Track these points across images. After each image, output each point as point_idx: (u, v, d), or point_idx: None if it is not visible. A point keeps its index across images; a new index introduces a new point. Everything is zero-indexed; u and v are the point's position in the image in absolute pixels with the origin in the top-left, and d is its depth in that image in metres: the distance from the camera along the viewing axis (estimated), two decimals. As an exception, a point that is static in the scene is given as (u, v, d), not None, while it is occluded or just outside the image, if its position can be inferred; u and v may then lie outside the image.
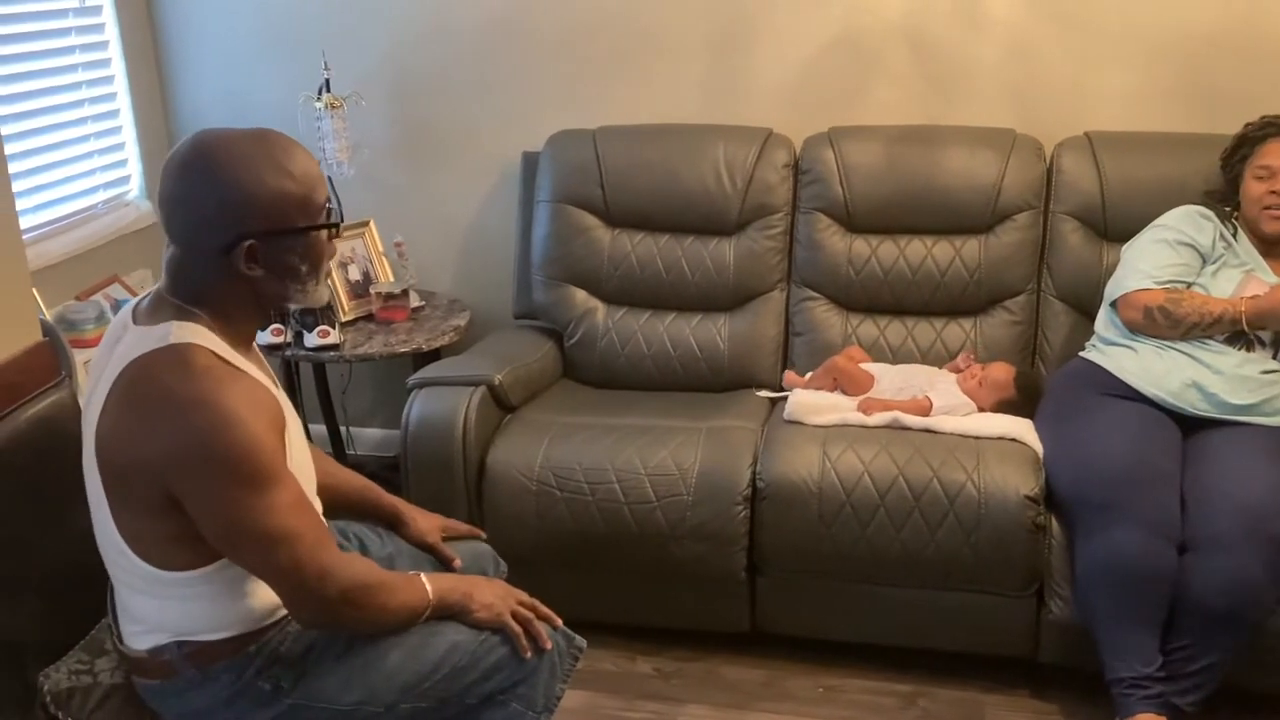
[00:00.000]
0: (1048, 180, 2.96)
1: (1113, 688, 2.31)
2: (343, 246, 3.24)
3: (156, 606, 1.64)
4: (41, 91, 3.08)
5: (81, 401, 1.89)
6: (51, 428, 1.85)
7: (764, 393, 2.98)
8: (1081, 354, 2.75)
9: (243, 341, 1.65)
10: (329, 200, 1.64)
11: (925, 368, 2.92)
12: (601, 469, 2.60)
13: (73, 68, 3.20)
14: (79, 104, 3.22)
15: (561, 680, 1.84)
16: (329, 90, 3.21)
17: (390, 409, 3.57)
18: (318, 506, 1.73)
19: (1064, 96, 3.07)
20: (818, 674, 2.66)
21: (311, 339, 3.00)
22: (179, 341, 1.54)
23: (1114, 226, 2.88)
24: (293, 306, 1.67)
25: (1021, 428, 2.64)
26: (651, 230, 3.11)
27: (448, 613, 1.75)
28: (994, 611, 2.53)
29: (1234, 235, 2.64)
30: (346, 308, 3.20)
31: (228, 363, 1.56)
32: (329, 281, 1.73)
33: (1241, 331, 2.52)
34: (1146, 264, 2.62)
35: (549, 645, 1.79)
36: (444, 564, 1.97)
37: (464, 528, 2.08)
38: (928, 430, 2.64)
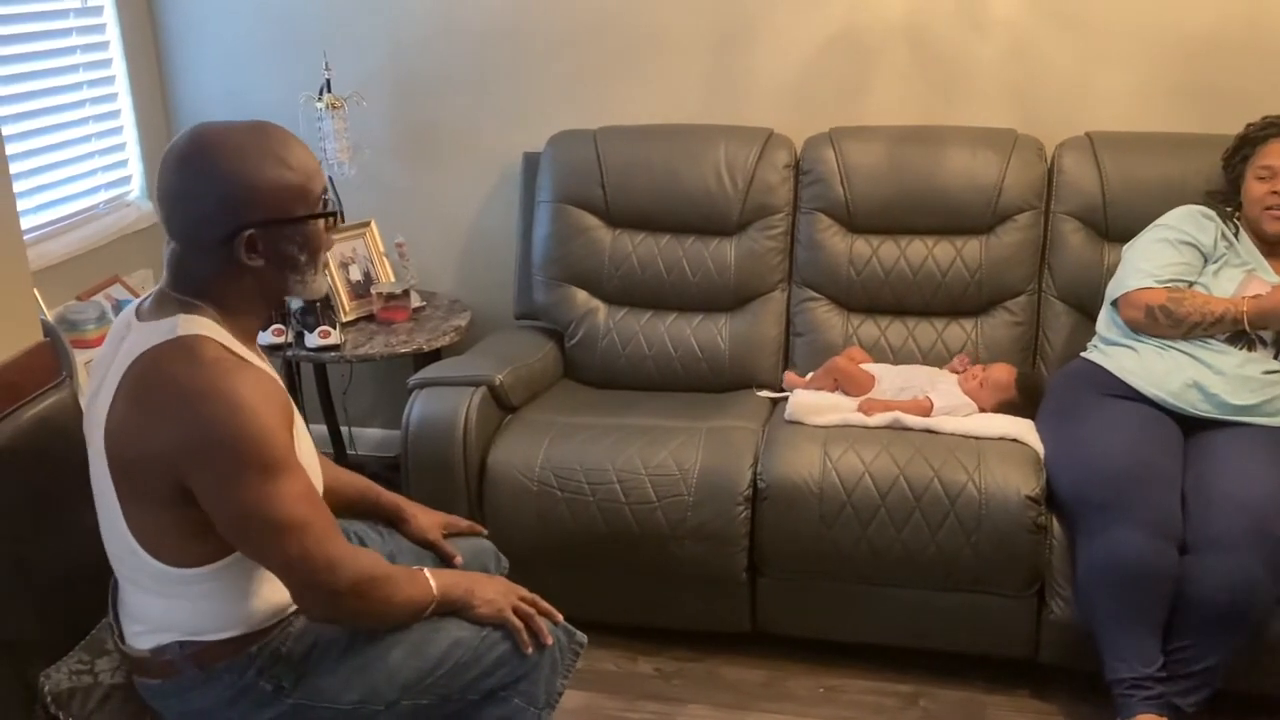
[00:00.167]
0: (1049, 180, 2.96)
1: (1113, 688, 2.31)
2: (344, 247, 3.24)
3: (163, 605, 1.64)
4: (43, 92, 3.08)
5: (83, 402, 1.90)
6: (52, 428, 1.85)
7: (765, 393, 2.98)
8: (1083, 354, 2.75)
9: (247, 336, 1.65)
10: (326, 190, 1.65)
11: (926, 368, 2.92)
12: (602, 469, 2.60)
13: (74, 68, 3.20)
14: (80, 104, 3.23)
15: (563, 676, 1.85)
16: (330, 90, 3.21)
17: (391, 409, 3.57)
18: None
19: (1065, 96, 3.07)
20: (819, 674, 2.66)
21: (312, 339, 3.00)
22: (187, 334, 1.55)
23: (1115, 227, 2.88)
24: (293, 298, 1.68)
25: (1022, 428, 2.64)
26: (652, 230, 3.11)
27: (450, 608, 1.75)
28: (995, 612, 2.53)
29: (1235, 235, 2.64)
30: (347, 308, 3.20)
31: (235, 354, 1.57)
32: (328, 278, 1.74)
33: (1243, 331, 2.52)
34: (1148, 263, 2.62)
35: (550, 641, 1.79)
36: (445, 560, 1.97)
37: (465, 524, 2.08)
38: (928, 431, 2.63)
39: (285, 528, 1.54)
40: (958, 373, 2.86)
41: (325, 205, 1.64)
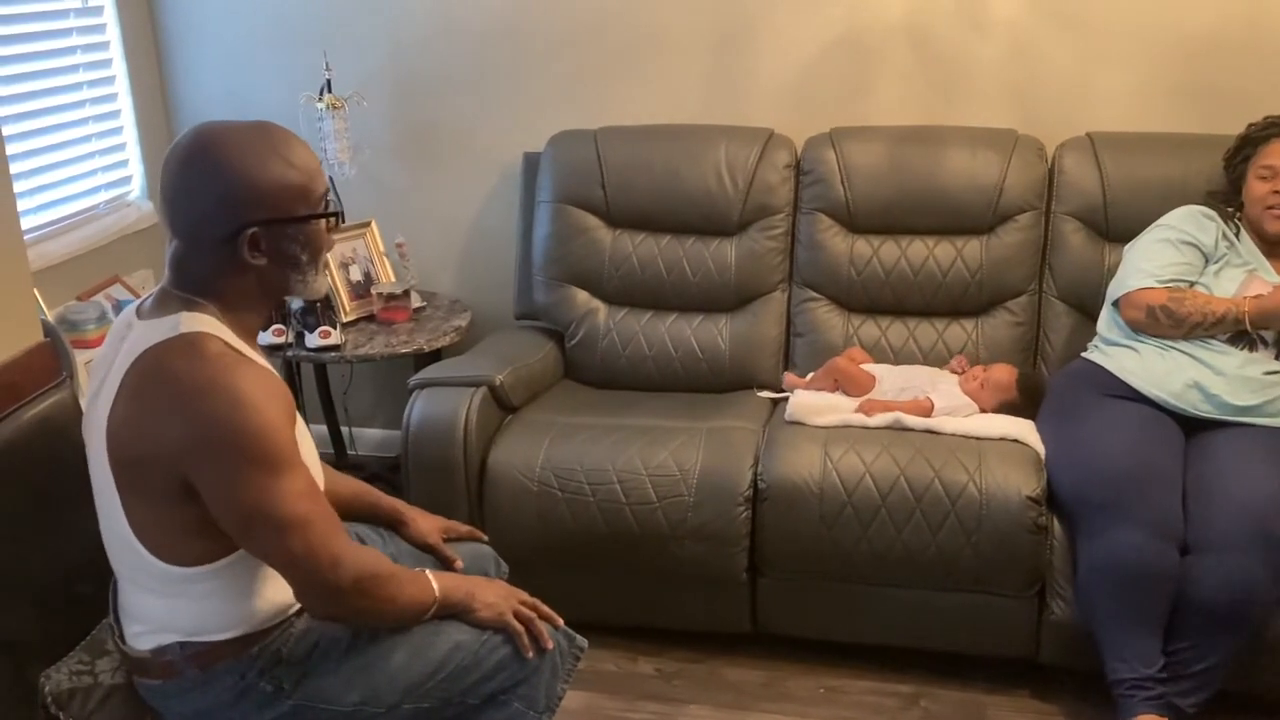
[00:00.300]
0: (1049, 181, 2.96)
1: (1114, 689, 2.31)
2: (344, 247, 3.24)
3: (164, 605, 1.64)
4: (43, 92, 3.08)
5: (83, 403, 1.90)
6: (52, 428, 1.85)
7: (765, 393, 2.98)
8: (1083, 354, 2.75)
9: (248, 334, 1.66)
10: (328, 191, 1.66)
11: (927, 369, 2.91)
12: (603, 470, 2.60)
13: (74, 68, 3.20)
14: (80, 104, 3.23)
15: (563, 680, 1.84)
16: (330, 91, 3.21)
17: (391, 409, 3.57)
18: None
19: (1066, 97, 3.06)
20: (819, 675, 2.66)
21: (313, 339, 3.00)
22: (189, 330, 1.55)
23: (1116, 227, 2.88)
24: (294, 297, 1.69)
25: (1023, 429, 2.64)
26: (653, 231, 3.11)
27: (451, 611, 1.75)
28: (995, 612, 2.53)
29: (1236, 235, 2.64)
30: (348, 308, 3.20)
31: (237, 351, 1.57)
32: (329, 278, 1.75)
33: (1244, 332, 2.52)
34: (1149, 263, 2.62)
35: (550, 645, 1.79)
36: (445, 565, 1.97)
37: (464, 529, 2.08)
38: (929, 431, 2.63)
39: (288, 524, 1.54)
40: (957, 373, 2.86)
41: (327, 205, 1.65)
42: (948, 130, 3.03)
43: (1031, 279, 2.95)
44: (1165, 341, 2.57)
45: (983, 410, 2.75)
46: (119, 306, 2.88)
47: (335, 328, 3.03)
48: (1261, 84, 2.93)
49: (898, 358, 2.98)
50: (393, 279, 3.32)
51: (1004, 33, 3.05)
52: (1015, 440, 2.60)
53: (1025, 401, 2.75)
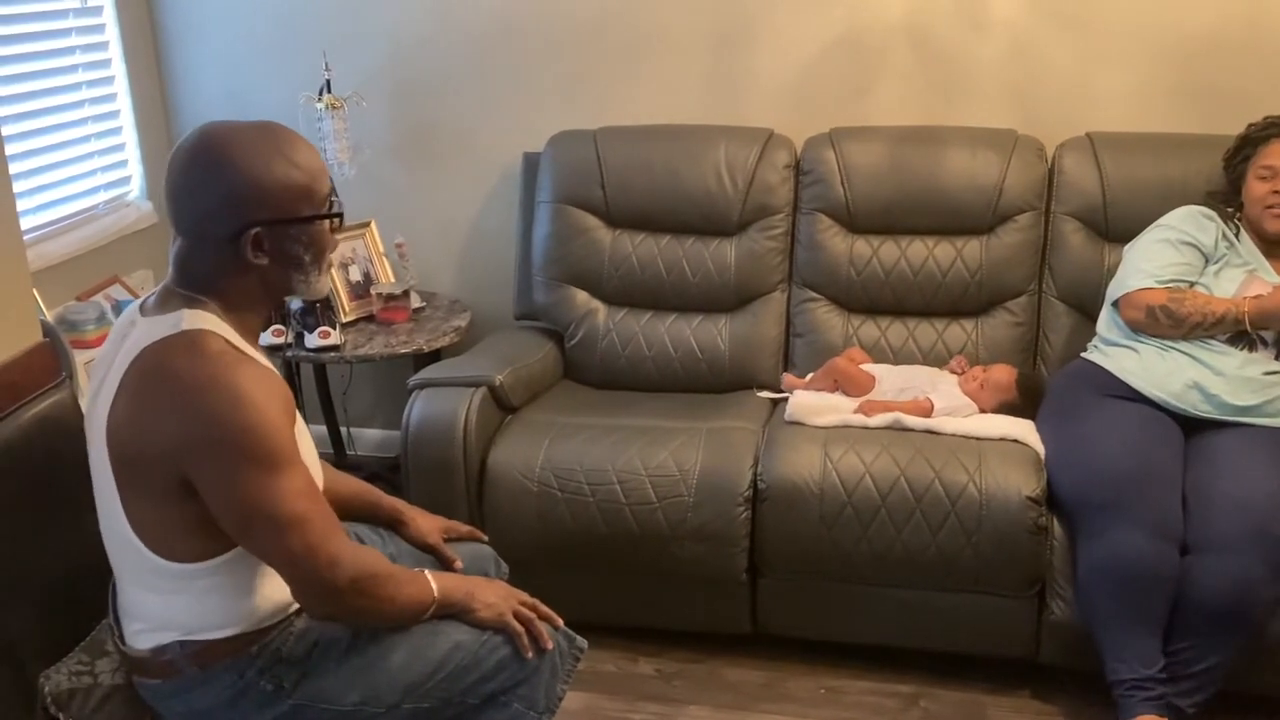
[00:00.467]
0: (1049, 181, 2.96)
1: (1114, 689, 2.31)
2: (343, 247, 3.24)
3: (163, 602, 1.64)
4: (42, 92, 3.08)
5: (83, 402, 1.90)
6: (52, 428, 1.85)
7: (765, 394, 2.98)
8: (1083, 355, 2.75)
9: (250, 333, 1.66)
10: (332, 191, 1.66)
11: (927, 369, 2.91)
12: (602, 470, 2.59)
13: (73, 68, 3.20)
14: (80, 104, 3.22)
15: (563, 681, 1.84)
16: (330, 91, 3.21)
17: (391, 410, 3.57)
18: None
19: (1065, 97, 3.06)
20: (819, 675, 2.66)
21: (312, 340, 3.00)
22: (191, 328, 1.55)
23: (1115, 227, 2.88)
24: (296, 297, 1.69)
25: (1023, 429, 2.64)
26: (652, 231, 3.10)
27: (451, 611, 1.75)
28: (996, 612, 2.53)
29: (1236, 235, 2.64)
30: (347, 308, 3.20)
31: (238, 349, 1.58)
32: (330, 277, 1.75)
33: (1244, 332, 2.52)
34: (1149, 263, 2.62)
35: (550, 645, 1.79)
36: (445, 565, 1.97)
37: (465, 529, 2.08)
38: (929, 431, 2.63)
39: (286, 522, 1.54)
40: (957, 374, 2.86)
41: (331, 206, 1.65)
42: (947, 130, 3.03)
43: (1031, 279, 2.95)
44: (1165, 342, 2.57)
45: (982, 410, 2.75)
46: (118, 307, 2.88)
47: (335, 328, 3.03)
48: (1261, 84, 2.93)
49: (897, 358, 2.98)
50: (392, 279, 3.32)
51: (1004, 33, 3.05)
52: (1015, 440, 2.60)
53: (1025, 402, 2.75)
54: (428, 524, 2.01)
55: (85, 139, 3.25)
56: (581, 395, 3.04)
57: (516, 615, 1.77)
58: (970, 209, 2.94)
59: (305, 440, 1.69)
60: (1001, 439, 2.60)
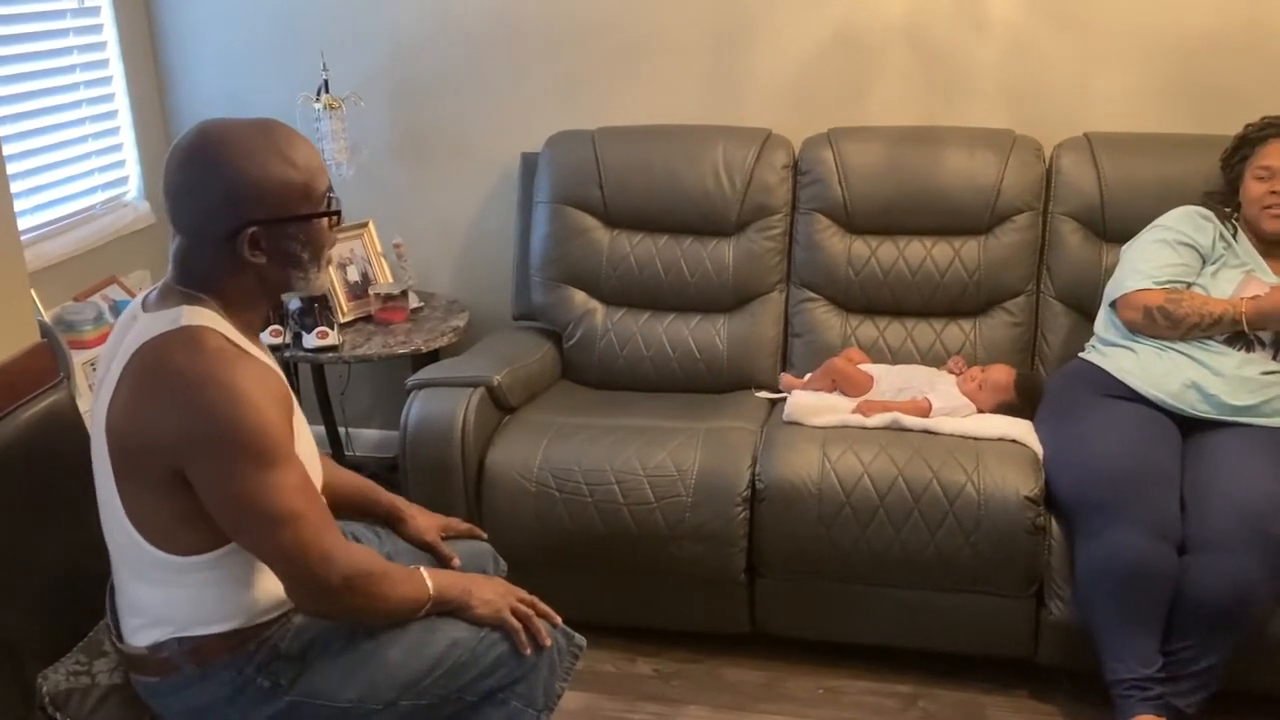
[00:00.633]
0: (1047, 181, 2.96)
1: (1113, 689, 2.31)
2: (342, 247, 3.24)
3: (161, 596, 1.64)
4: (40, 92, 3.08)
5: (81, 403, 1.90)
6: (49, 429, 1.85)
7: (763, 394, 2.98)
8: (1081, 355, 2.75)
9: (250, 329, 1.66)
10: (330, 189, 1.66)
11: (925, 369, 2.91)
12: (600, 470, 2.59)
13: (71, 68, 3.19)
14: (77, 104, 3.22)
15: (561, 678, 1.84)
16: (328, 91, 3.21)
17: (389, 410, 3.57)
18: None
19: (1063, 97, 3.07)
20: (818, 675, 2.66)
21: (310, 340, 3.00)
22: (190, 324, 1.56)
23: (1113, 227, 2.88)
24: (294, 295, 1.69)
25: (1021, 429, 2.64)
26: (650, 231, 3.10)
27: (448, 608, 1.75)
28: (994, 612, 2.53)
29: (1234, 236, 2.64)
30: (345, 309, 3.20)
31: (237, 346, 1.58)
32: (329, 275, 1.75)
33: (1241, 332, 2.52)
34: (1146, 264, 2.62)
35: (548, 642, 1.79)
36: (443, 562, 1.97)
37: (463, 526, 2.08)
38: (927, 431, 2.63)
39: (279, 518, 1.55)
40: (955, 374, 2.86)
41: (329, 204, 1.65)
42: (946, 130, 3.04)
43: (1029, 279, 2.95)
44: (1162, 342, 2.57)
45: (981, 410, 2.75)
46: (116, 307, 2.87)
47: (333, 328, 3.03)
48: (1259, 84, 2.93)
49: (895, 358, 2.98)
50: (390, 279, 3.32)
51: (1002, 33, 3.05)
52: (1013, 440, 2.60)
53: (1023, 402, 2.75)
54: (426, 521, 2.01)
55: (83, 139, 3.25)
56: (579, 395, 3.04)
57: (514, 612, 1.77)
58: (968, 209, 2.94)
59: (304, 436, 1.70)
60: (1000, 439, 2.60)
